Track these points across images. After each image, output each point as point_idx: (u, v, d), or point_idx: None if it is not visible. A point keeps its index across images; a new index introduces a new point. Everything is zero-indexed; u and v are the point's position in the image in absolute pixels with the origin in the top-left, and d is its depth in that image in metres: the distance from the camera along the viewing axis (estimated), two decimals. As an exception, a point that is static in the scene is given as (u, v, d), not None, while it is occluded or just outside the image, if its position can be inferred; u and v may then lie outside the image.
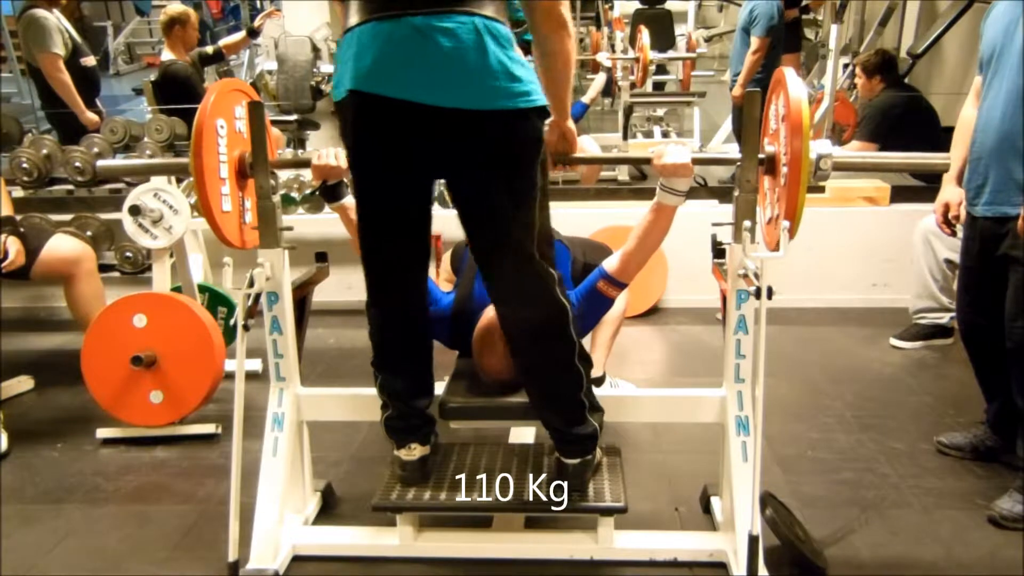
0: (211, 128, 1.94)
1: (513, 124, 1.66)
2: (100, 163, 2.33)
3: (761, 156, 1.92)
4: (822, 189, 3.82)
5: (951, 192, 2.45)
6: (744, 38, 5.30)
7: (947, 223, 2.50)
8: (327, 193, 2.11)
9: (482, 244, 1.82)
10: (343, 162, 2.04)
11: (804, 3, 6.36)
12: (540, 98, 1.69)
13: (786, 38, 5.59)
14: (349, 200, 2.11)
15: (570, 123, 1.89)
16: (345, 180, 2.11)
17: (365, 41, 1.62)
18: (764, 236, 2.01)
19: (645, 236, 2.04)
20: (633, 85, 5.93)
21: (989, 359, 2.38)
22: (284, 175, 3.66)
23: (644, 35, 5.62)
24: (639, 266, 2.09)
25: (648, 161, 2.00)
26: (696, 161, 1.96)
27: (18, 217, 2.94)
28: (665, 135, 6.66)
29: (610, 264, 2.10)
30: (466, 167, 1.71)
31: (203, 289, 3.28)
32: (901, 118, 4.13)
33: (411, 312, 1.93)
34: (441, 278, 2.76)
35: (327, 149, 2.07)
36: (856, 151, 4.21)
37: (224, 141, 1.99)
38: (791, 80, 1.80)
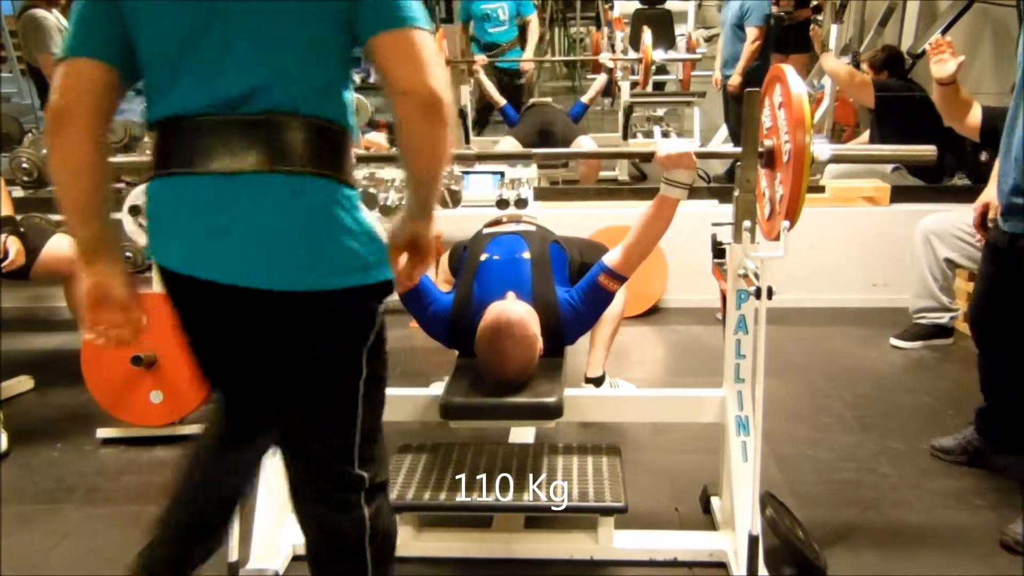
0: None
1: (328, 305, 1.32)
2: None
3: (760, 150, 1.92)
4: (822, 189, 3.82)
5: (993, 193, 2.28)
6: (736, 33, 5.35)
7: (983, 225, 2.35)
8: None
9: (288, 445, 1.47)
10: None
11: (815, 3, 6.35)
12: (373, 273, 1.35)
13: (796, 39, 5.60)
14: None
15: (430, 230, 1.41)
16: None
17: (163, 200, 1.33)
18: (763, 228, 2.01)
19: (646, 229, 2.06)
20: (634, 85, 5.94)
21: (997, 358, 2.34)
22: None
23: (647, 36, 5.62)
24: (640, 259, 2.09)
25: (651, 155, 2.00)
26: (697, 155, 1.97)
27: (18, 217, 2.94)
28: (665, 135, 6.65)
29: (611, 258, 2.11)
30: (271, 352, 1.37)
31: (203, 289, 3.28)
32: (906, 115, 4.13)
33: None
34: (439, 279, 2.76)
35: None
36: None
37: None
38: (790, 76, 1.80)
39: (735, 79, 5.36)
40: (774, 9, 5.57)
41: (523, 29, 6.11)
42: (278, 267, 1.28)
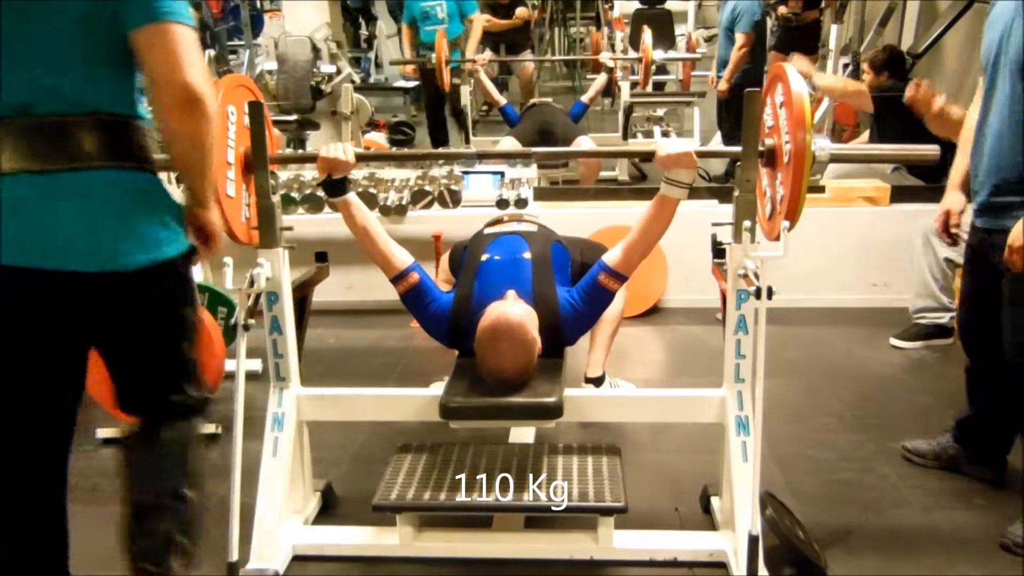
0: (222, 112, 1.95)
1: (137, 283, 1.47)
2: None
3: (760, 149, 1.92)
4: (822, 189, 3.82)
5: (953, 199, 2.34)
6: (729, 36, 5.38)
7: (948, 231, 2.38)
8: (330, 188, 2.10)
9: (132, 393, 1.65)
10: (351, 156, 2.05)
11: (823, 5, 6.36)
12: (177, 247, 1.52)
13: (803, 40, 5.60)
14: (352, 196, 2.11)
15: (213, 214, 1.61)
16: (349, 176, 2.11)
17: None
18: (763, 228, 2.01)
19: (647, 228, 2.06)
20: (634, 85, 5.94)
21: (984, 361, 2.34)
22: (284, 175, 3.66)
23: (647, 35, 5.62)
24: (640, 259, 2.10)
25: (651, 154, 2.00)
26: (697, 155, 1.97)
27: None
28: (665, 135, 6.65)
29: (611, 257, 2.11)
30: (102, 333, 1.55)
31: (203, 289, 3.27)
32: (907, 117, 4.13)
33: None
34: (440, 279, 2.76)
35: (335, 143, 2.08)
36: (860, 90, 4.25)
37: (234, 129, 2.01)
38: (791, 75, 1.80)
39: (723, 85, 5.41)
40: (783, 9, 5.57)
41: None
42: (94, 251, 1.42)
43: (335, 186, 2.09)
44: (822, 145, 1.82)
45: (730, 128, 5.68)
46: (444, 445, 2.26)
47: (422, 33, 5.96)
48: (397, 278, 2.16)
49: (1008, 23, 2.03)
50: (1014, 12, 2.01)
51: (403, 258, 2.17)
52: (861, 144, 4.32)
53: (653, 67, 5.98)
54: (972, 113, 2.31)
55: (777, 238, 1.83)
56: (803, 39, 5.57)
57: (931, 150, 2.01)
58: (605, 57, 5.57)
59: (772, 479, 2.37)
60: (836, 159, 1.89)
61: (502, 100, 5.21)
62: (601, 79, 5.34)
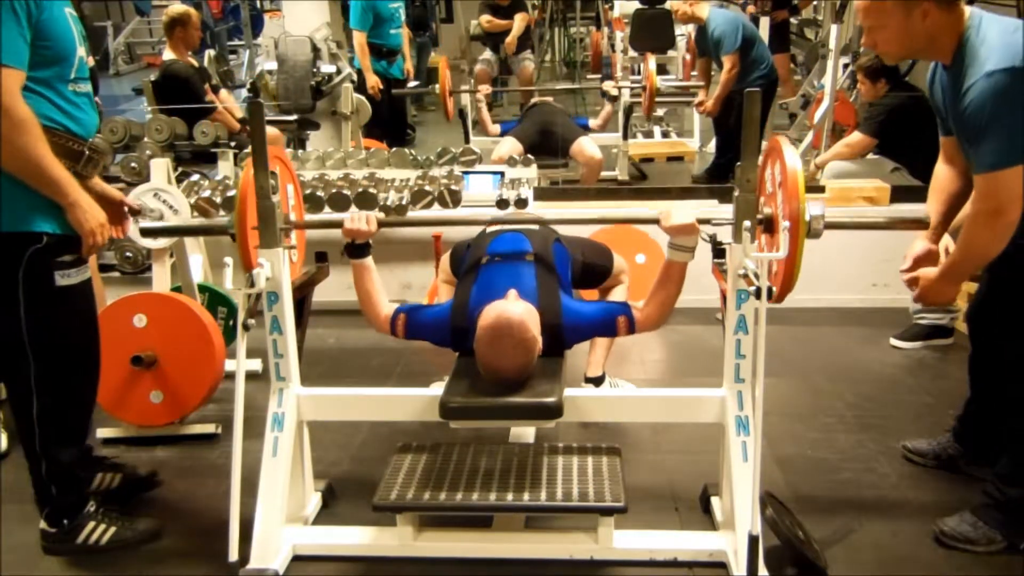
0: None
1: None
2: (143, 224, 2.34)
3: (760, 217, 1.96)
4: (822, 189, 3.82)
5: (919, 246, 2.23)
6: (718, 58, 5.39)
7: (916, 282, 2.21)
8: (353, 250, 2.19)
9: None
10: (373, 226, 2.14)
11: (794, 3, 6.37)
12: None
13: (775, 39, 5.61)
14: (370, 261, 2.20)
15: (73, 213, 1.88)
16: (371, 242, 2.20)
17: None
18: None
19: (662, 292, 2.15)
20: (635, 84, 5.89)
21: (988, 361, 2.34)
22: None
23: (651, 62, 5.56)
24: (661, 321, 2.18)
25: (655, 221, 2.06)
26: (701, 221, 2.03)
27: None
28: (665, 135, 6.64)
29: (639, 311, 2.17)
30: None
31: (203, 289, 3.28)
32: (906, 119, 4.13)
33: None
34: (440, 279, 2.76)
35: (360, 213, 2.17)
36: (855, 143, 4.23)
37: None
38: (787, 150, 1.84)
39: (712, 106, 5.38)
40: (751, 9, 5.56)
41: None
42: None
43: (357, 250, 2.18)
44: (817, 215, 1.83)
45: (722, 141, 5.62)
46: (444, 445, 2.27)
47: (383, 37, 5.73)
48: (392, 330, 2.21)
49: (954, 114, 1.94)
50: (951, 104, 1.94)
51: (387, 307, 2.22)
52: (851, 145, 4.31)
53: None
54: (940, 166, 2.25)
55: (780, 300, 1.88)
56: (775, 38, 5.60)
57: (920, 212, 2.13)
58: (609, 85, 5.47)
59: (772, 479, 2.37)
60: (830, 227, 1.92)
61: (497, 129, 5.19)
62: (607, 109, 5.33)
